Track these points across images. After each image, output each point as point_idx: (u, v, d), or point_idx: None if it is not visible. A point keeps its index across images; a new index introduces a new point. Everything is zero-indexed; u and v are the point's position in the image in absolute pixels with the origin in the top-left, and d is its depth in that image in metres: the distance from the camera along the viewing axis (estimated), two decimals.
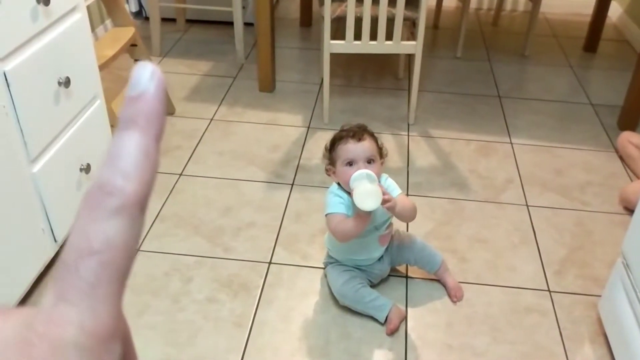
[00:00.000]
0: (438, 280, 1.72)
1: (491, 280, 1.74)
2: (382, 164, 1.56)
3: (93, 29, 2.90)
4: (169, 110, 2.52)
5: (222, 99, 2.66)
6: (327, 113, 2.48)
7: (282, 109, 2.60)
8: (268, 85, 2.71)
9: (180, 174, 2.17)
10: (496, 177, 2.20)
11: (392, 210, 1.45)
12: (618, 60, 3.18)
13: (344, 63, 3.00)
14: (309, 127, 2.47)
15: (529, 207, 2.05)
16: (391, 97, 2.74)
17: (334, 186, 1.59)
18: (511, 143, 2.41)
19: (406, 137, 2.42)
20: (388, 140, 2.37)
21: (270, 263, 1.78)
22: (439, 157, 2.31)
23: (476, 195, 2.10)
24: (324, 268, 1.73)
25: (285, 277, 1.74)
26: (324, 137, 2.40)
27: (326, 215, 1.56)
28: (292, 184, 2.13)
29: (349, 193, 1.55)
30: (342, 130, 1.57)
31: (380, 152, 1.57)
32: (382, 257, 1.67)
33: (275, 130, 2.46)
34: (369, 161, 1.50)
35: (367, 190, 1.39)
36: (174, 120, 2.50)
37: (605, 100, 2.74)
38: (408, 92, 2.78)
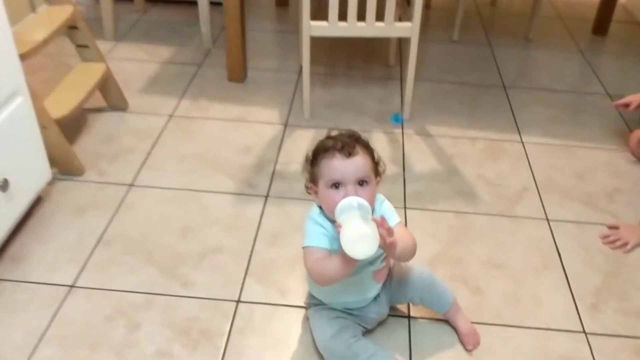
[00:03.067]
0: (447, 321, 1.38)
1: (513, 320, 1.41)
2: (377, 183, 1.21)
3: (34, 8, 2.49)
4: (121, 105, 2.13)
5: (185, 91, 2.28)
6: (307, 107, 2.12)
7: (254, 102, 2.23)
8: (238, 74, 2.34)
9: (131, 185, 1.79)
10: (508, 184, 1.86)
11: (391, 252, 1.10)
12: (632, 44, 2.86)
13: (326, 48, 2.63)
14: (286, 125, 2.11)
15: (550, 222, 1.71)
16: (382, 87, 2.38)
17: (315, 210, 1.23)
18: (522, 142, 2.07)
19: (400, 135, 2.07)
20: (379, 140, 2.02)
21: (239, 301, 1.42)
22: (441, 159, 1.97)
23: (487, 207, 1.76)
24: (306, 308, 1.38)
25: (257, 319, 1.38)
26: (305, 137, 2.05)
27: (303, 248, 1.20)
28: (267, 196, 1.77)
29: (334, 221, 1.20)
30: (328, 139, 1.22)
31: (376, 170, 1.21)
32: (378, 295, 1.33)
33: (246, 128, 2.08)
34: (361, 183, 1.15)
35: (359, 233, 1.04)
36: (125, 117, 2.11)
37: (624, 90, 2.40)
38: (401, 81, 2.42)
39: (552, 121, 2.20)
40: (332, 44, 2.64)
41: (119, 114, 2.12)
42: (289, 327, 1.37)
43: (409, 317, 1.41)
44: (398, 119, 2.11)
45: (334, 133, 1.23)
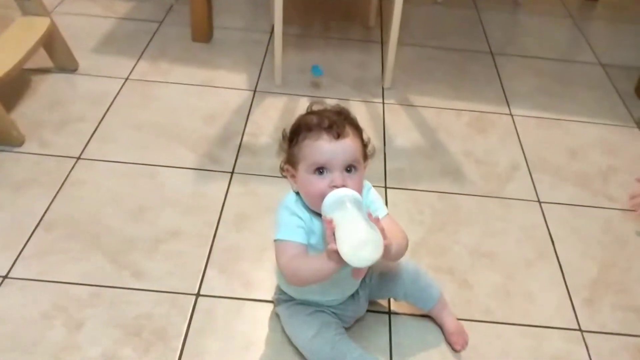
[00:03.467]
0: (432, 318, 1.24)
1: (504, 316, 1.27)
2: (365, 168, 1.05)
3: None
4: (69, 65, 1.90)
5: (143, 51, 2.05)
6: (279, 72, 1.92)
7: (221, 66, 2.02)
8: (203, 33, 2.12)
9: (78, 158, 1.59)
10: (497, 162, 1.71)
11: (386, 255, 0.94)
12: (623, 10, 2.70)
13: (301, 7, 2.42)
14: (255, 91, 1.91)
15: (542, 204, 1.57)
16: (361, 51, 2.18)
17: (291, 197, 1.06)
18: (511, 114, 1.91)
19: (381, 105, 1.89)
20: (358, 110, 1.84)
21: (198, 295, 1.26)
22: (424, 133, 1.80)
23: (475, 187, 1.61)
24: (274, 304, 1.22)
25: (219, 316, 1.22)
26: (275, 105, 1.86)
27: (275, 240, 1.03)
28: (232, 172, 1.58)
29: (314, 212, 1.03)
30: (311, 114, 1.04)
31: (365, 153, 1.05)
32: (356, 292, 1.17)
33: (211, 94, 1.88)
34: (349, 169, 0.99)
35: (363, 237, 0.88)
36: (75, 79, 1.89)
37: (617, 60, 2.27)
38: (382, 45, 2.23)
39: (542, 92, 2.04)
40: (307, 1, 2.43)
41: (67, 76, 1.89)
42: (256, 325, 1.21)
43: (389, 313, 1.26)
44: (318, 71, 1.93)
45: (316, 107, 1.05)
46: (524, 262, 1.40)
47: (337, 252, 0.90)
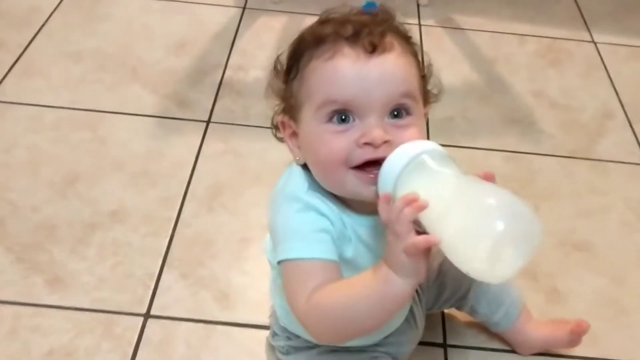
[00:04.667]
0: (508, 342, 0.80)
1: (617, 348, 0.82)
2: (425, 116, 0.59)
3: None
4: None
5: None
6: None
7: None
8: None
9: None
10: (582, 107, 1.22)
11: None
12: None
13: None
14: (244, 8, 1.40)
15: None
16: None
17: (297, 177, 0.59)
18: (594, 41, 1.40)
19: (417, 27, 1.38)
20: None
21: (147, 315, 0.81)
22: (477, 66, 1.30)
23: (553, 145, 1.13)
24: (272, 347, 0.76)
25: (179, 349, 0.77)
26: (272, 27, 1.35)
27: (280, 263, 0.56)
28: (208, 121, 1.11)
29: (340, 200, 0.56)
30: (324, 23, 0.57)
31: (424, 88, 0.59)
32: (410, 308, 0.71)
33: (181, 12, 1.38)
34: (397, 111, 0.54)
35: (509, 207, 0.45)
36: None
37: None
38: None
39: (632, 12, 1.52)
40: None
41: None
42: None
43: (444, 345, 0.81)
44: (371, 4, 1.41)
45: (335, 15, 0.57)
46: (637, 258, 0.94)
47: (423, 252, 0.48)
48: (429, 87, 0.60)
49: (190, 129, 1.08)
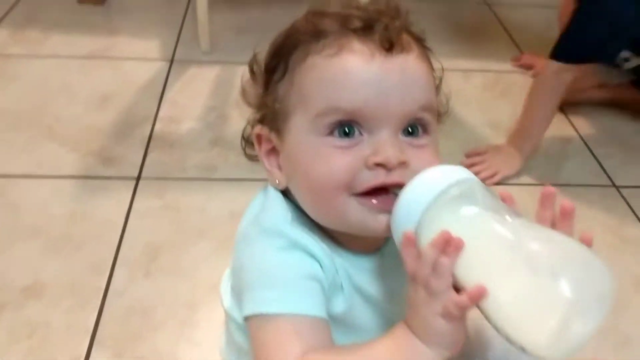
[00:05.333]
0: None
1: None
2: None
3: None
4: None
5: (3, 18, 1.41)
6: (205, 34, 1.32)
7: (120, 31, 1.40)
8: None
9: None
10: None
11: None
12: None
13: None
14: (172, 60, 1.30)
15: (620, 190, 1.04)
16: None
17: (276, 206, 0.45)
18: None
19: None
20: None
21: None
22: None
23: (519, 173, 1.06)
24: None
25: None
26: (203, 78, 1.24)
27: (248, 318, 0.43)
28: (138, 177, 0.97)
29: (325, 232, 0.44)
30: (319, 15, 0.44)
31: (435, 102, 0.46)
32: None
33: (105, 67, 1.26)
34: (413, 127, 0.43)
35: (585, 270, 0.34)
36: None
37: None
38: None
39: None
40: None
41: None
42: None
43: None
44: None
45: (333, 9, 0.45)
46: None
47: (459, 316, 0.37)
48: (441, 99, 0.49)
49: (117, 186, 0.94)
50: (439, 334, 0.37)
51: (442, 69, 0.48)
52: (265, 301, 0.41)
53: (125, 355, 0.69)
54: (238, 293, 0.44)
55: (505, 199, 0.40)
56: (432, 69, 0.46)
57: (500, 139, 1.13)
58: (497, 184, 1.01)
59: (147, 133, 1.07)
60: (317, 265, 0.42)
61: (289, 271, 0.42)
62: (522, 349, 0.35)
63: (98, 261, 0.81)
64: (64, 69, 1.23)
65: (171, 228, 0.87)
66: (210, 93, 1.20)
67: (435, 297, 0.36)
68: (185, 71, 1.27)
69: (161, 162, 1.00)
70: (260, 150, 0.47)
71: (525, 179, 1.05)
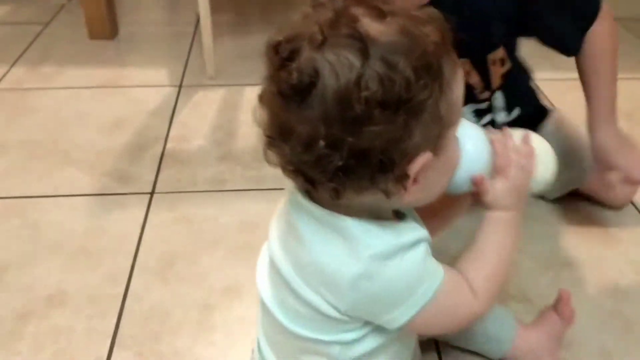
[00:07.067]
0: None
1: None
2: None
3: None
4: None
5: (20, 56, 1.48)
6: (211, 61, 1.38)
7: (130, 63, 1.47)
8: (103, 28, 1.56)
9: None
10: None
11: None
12: None
13: None
14: (180, 86, 1.36)
15: None
16: None
17: (360, 227, 0.47)
18: None
19: None
20: None
21: None
22: None
23: None
24: None
25: None
26: (210, 100, 1.30)
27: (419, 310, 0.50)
28: (152, 192, 1.01)
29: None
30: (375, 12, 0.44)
31: None
32: None
33: (117, 95, 1.32)
34: None
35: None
36: None
37: None
38: None
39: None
40: None
41: None
42: None
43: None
44: None
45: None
46: None
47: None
48: None
49: (132, 202, 0.99)
50: (520, 197, 0.55)
51: None
52: (426, 291, 0.49)
53: (145, 354, 0.72)
54: (389, 307, 0.49)
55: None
56: None
57: None
58: None
59: (159, 152, 1.12)
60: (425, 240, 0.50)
61: (424, 263, 0.49)
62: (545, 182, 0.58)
63: (116, 270, 0.85)
64: (77, 99, 1.29)
65: (185, 238, 0.91)
66: (217, 113, 1.25)
67: (525, 169, 0.55)
68: (193, 95, 1.32)
69: (173, 178, 1.05)
70: (411, 183, 0.46)
71: None
